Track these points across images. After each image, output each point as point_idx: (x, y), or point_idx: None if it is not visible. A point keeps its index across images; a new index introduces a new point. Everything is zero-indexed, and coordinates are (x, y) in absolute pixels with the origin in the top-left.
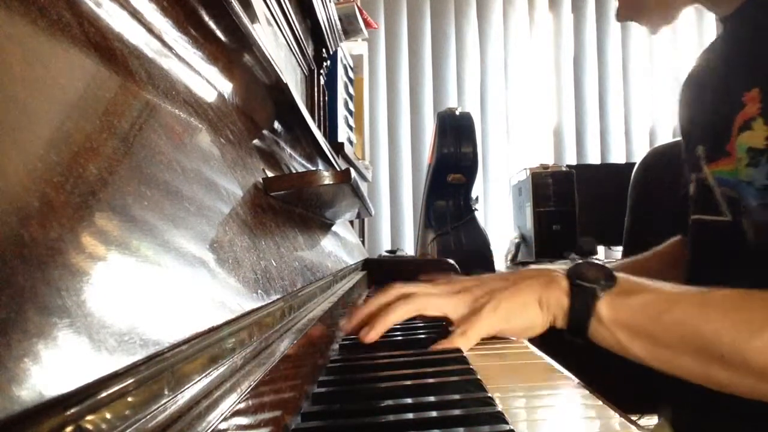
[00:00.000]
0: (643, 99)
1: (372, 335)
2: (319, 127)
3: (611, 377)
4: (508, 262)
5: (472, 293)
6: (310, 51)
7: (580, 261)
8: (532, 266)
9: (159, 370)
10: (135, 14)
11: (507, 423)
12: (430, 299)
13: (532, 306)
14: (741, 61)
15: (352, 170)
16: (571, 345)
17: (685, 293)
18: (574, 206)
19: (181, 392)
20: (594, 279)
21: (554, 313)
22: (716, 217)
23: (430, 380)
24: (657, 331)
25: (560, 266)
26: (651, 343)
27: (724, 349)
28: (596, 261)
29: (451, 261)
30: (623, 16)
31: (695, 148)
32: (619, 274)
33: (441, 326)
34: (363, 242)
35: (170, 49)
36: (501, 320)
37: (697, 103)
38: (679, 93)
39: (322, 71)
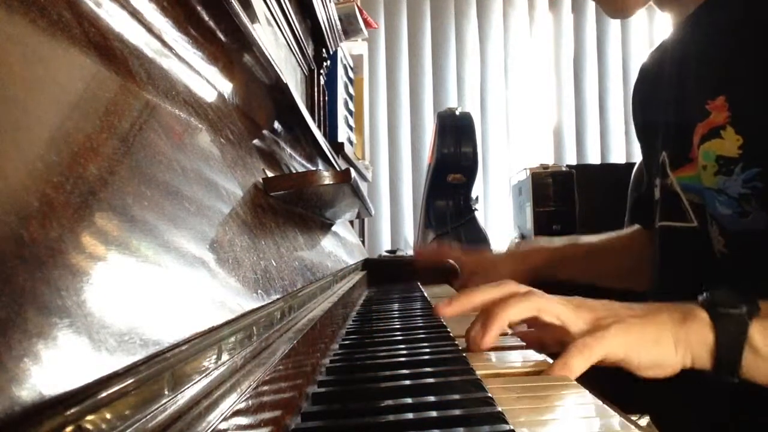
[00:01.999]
0: None
1: (487, 340)
2: (319, 127)
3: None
4: None
5: (594, 312)
6: (310, 51)
7: (707, 292)
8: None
9: (159, 370)
10: (135, 14)
11: (507, 423)
12: (549, 303)
13: (667, 343)
14: (702, 68)
15: (352, 170)
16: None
17: None
18: (574, 206)
19: (181, 392)
20: (738, 305)
21: (694, 352)
22: (683, 223)
23: (430, 380)
24: None
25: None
26: None
27: None
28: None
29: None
30: None
31: (659, 154)
32: (757, 298)
33: (441, 327)
34: (363, 242)
35: (170, 49)
36: (629, 346)
37: (654, 106)
38: (633, 93)
39: (322, 71)
